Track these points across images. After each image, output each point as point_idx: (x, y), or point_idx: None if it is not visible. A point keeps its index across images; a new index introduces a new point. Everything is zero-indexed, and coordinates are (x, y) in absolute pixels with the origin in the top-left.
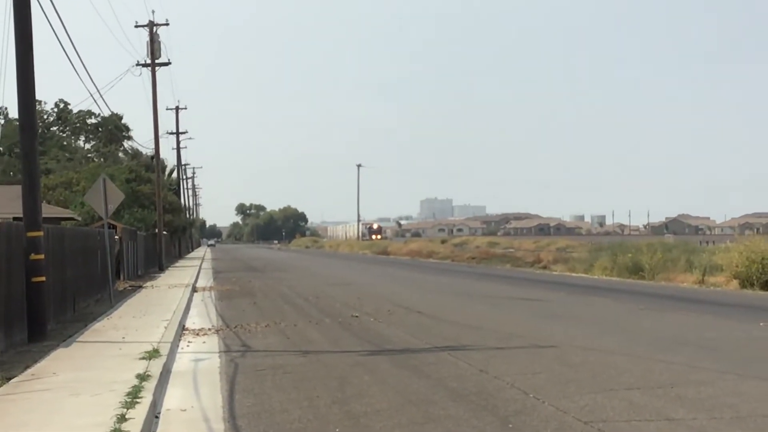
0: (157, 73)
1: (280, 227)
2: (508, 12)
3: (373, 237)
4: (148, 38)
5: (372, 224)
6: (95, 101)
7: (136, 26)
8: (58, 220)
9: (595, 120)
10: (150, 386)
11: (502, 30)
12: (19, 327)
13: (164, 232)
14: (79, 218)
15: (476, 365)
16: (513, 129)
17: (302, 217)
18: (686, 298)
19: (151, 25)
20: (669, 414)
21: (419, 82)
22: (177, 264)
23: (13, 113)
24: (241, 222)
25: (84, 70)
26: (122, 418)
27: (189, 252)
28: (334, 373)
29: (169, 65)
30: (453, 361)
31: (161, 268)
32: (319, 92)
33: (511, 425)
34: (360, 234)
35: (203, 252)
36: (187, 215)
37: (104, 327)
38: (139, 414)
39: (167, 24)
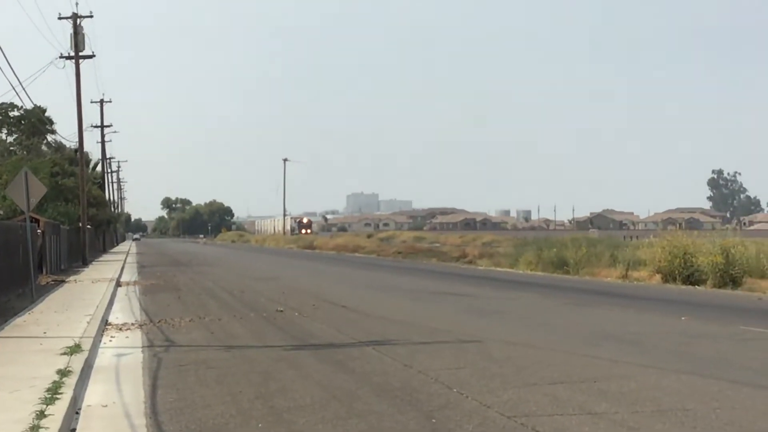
0: (81, 66)
1: (206, 221)
2: (448, 12)
3: (303, 231)
4: (71, 30)
5: (301, 218)
6: (17, 94)
7: (60, 18)
8: None
9: (521, 115)
10: (71, 382)
11: (420, 24)
12: None
13: (88, 226)
14: (1, 212)
15: (401, 360)
16: (440, 124)
17: (228, 212)
18: (610, 293)
19: (75, 17)
20: (592, 408)
21: (344, 76)
22: (101, 258)
23: None
24: (166, 216)
25: (6, 61)
26: (41, 415)
27: (114, 246)
28: (258, 368)
29: (94, 58)
30: (378, 355)
31: (85, 263)
32: (245, 86)
33: (434, 420)
34: (290, 228)
35: (128, 246)
36: (112, 209)
37: (25, 322)
38: (58, 410)
39: (91, 16)
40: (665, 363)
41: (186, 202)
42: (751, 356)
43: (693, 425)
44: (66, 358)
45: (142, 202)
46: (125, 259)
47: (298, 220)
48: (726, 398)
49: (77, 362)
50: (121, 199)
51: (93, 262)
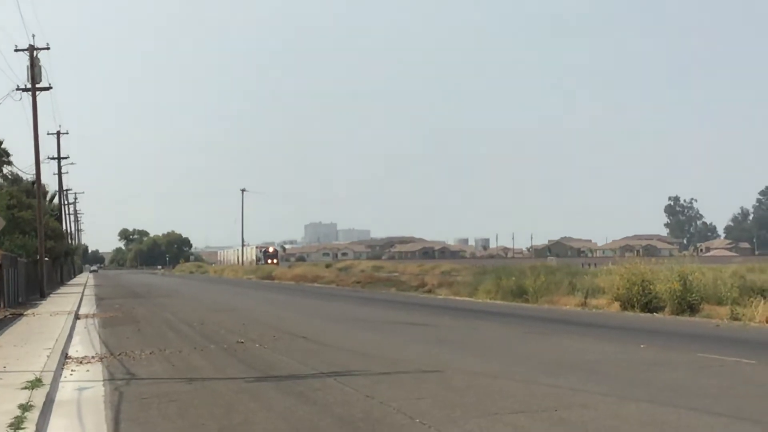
0: (38, 98)
1: (164, 252)
2: (394, 34)
3: (269, 261)
4: (28, 62)
5: (267, 247)
6: None
7: (16, 50)
8: None
9: (477, 143)
10: (33, 416)
11: (385, 55)
12: None
13: (46, 259)
14: None
15: (362, 391)
16: (396, 153)
17: (186, 242)
18: (569, 321)
19: (32, 49)
20: None
21: (301, 105)
22: (59, 291)
23: None
24: (124, 247)
25: None
26: None
27: (71, 278)
28: (220, 401)
29: (51, 90)
30: (339, 386)
31: (43, 295)
32: (200, 115)
33: None
34: (255, 258)
35: (86, 278)
36: (69, 241)
37: None
38: None
39: (48, 48)
40: (624, 391)
41: (143, 233)
42: (708, 383)
43: None
44: (27, 392)
45: (99, 234)
46: (83, 291)
47: (263, 250)
48: (684, 426)
49: (39, 396)
50: (78, 230)
51: (51, 295)
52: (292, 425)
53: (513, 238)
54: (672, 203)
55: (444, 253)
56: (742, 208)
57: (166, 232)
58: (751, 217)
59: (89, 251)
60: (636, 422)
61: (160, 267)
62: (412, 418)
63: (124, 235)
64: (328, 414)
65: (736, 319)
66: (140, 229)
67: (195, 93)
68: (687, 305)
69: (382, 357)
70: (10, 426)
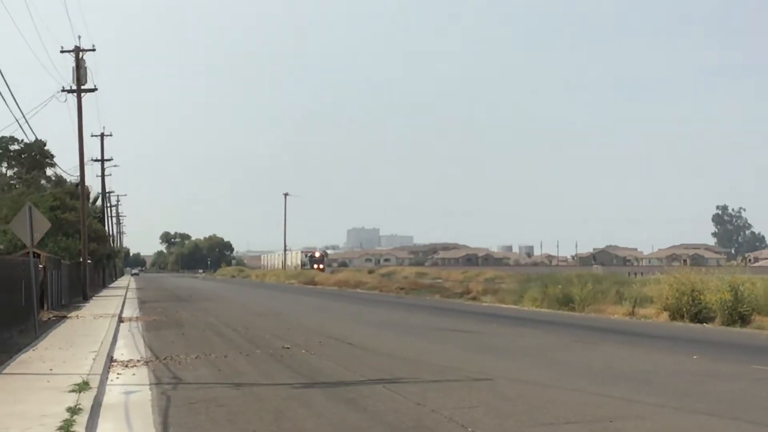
0: (83, 100)
1: (206, 256)
2: (444, 45)
3: (316, 267)
4: (74, 64)
5: (314, 252)
6: (20, 126)
7: (62, 51)
8: None
9: (522, 150)
10: (82, 420)
11: (427, 63)
12: None
13: (89, 261)
14: (2, 246)
15: (412, 398)
16: (440, 158)
17: (228, 246)
18: (618, 330)
19: (77, 50)
20: None
21: (346, 111)
22: (101, 293)
23: None
24: (165, 251)
25: (10, 94)
26: None
27: (113, 281)
28: (269, 407)
29: (96, 91)
30: (389, 394)
31: (86, 298)
32: (245, 119)
33: None
34: (300, 263)
35: (127, 281)
36: (112, 244)
37: (30, 359)
38: None
39: (93, 50)
40: (680, 403)
41: (185, 236)
42: (765, 395)
43: None
44: (75, 395)
45: (140, 237)
46: (125, 294)
47: (309, 254)
48: None
49: (86, 400)
50: (120, 233)
51: (93, 297)
52: None
53: (557, 246)
54: (720, 212)
55: (488, 260)
56: None
57: (207, 236)
58: None
59: (131, 254)
60: None
61: (201, 271)
62: (465, 427)
63: (166, 238)
64: (379, 422)
65: None
66: (182, 232)
67: (239, 96)
68: (738, 316)
69: (429, 364)
70: (59, 429)
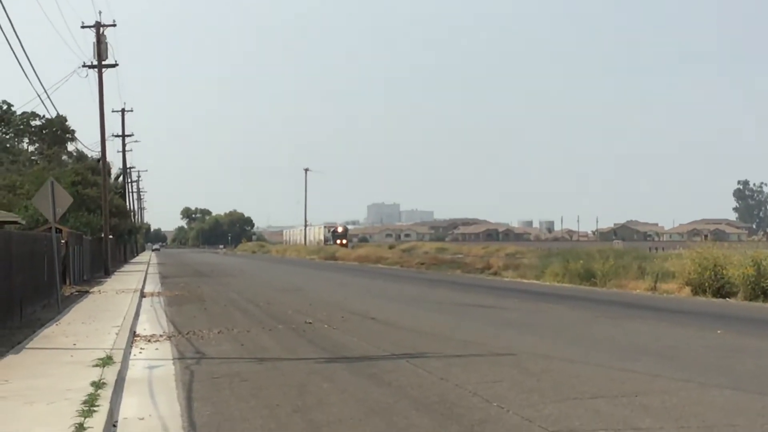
0: (103, 75)
1: (226, 232)
2: (464, 19)
3: (338, 242)
4: (94, 39)
5: (336, 227)
6: (42, 102)
7: (83, 27)
8: (1, 224)
9: (542, 125)
10: (106, 394)
11: (454, 37)
12: None
13: (110, 237)
14: (23, 222)
15: (436, 373)
16: (460, 134)
17: (248, 222)
18: (640, 306)
19: (98, 25)
20: (636, 423)
21: (365, 86)
22: (123, 268)
23: None
24: (186, 226)
25: (32, 70)
26: (81, 427)
27: (134, 256)
28: (292, 381)
29: (116, 67)
30: (412, 368)
31: (107, 273)
32: (266, 95)
33: None
34: (323, 239)
35: (148, 256)
36: (133, 219)
37: (54, 333)
38: (97, 423)
39: (114, 25)
40: (705, 377)
41: (206, 212)
42: None
43: None
44: (98, 369)
45: (161, 212)
46: (147, 269)
47: (332, 229)
48: None
49: (110, 374)
50: (141, 209)
51: (115, 273)
52: (368, 407)
53: (578, 221)
54: (741, 187)
55: (508, 235)
56: None
57: (228, 212)
58: None
59: (152, 230)
60: (720, 409)
61: (221, 246)
62: (489, 402)
63: (187, 213)
64: (403, 396)
65: None
66: (203, 208)
67: (259, 72)
68: (761, 291)
69: (452, 339)
70: (84, 403)
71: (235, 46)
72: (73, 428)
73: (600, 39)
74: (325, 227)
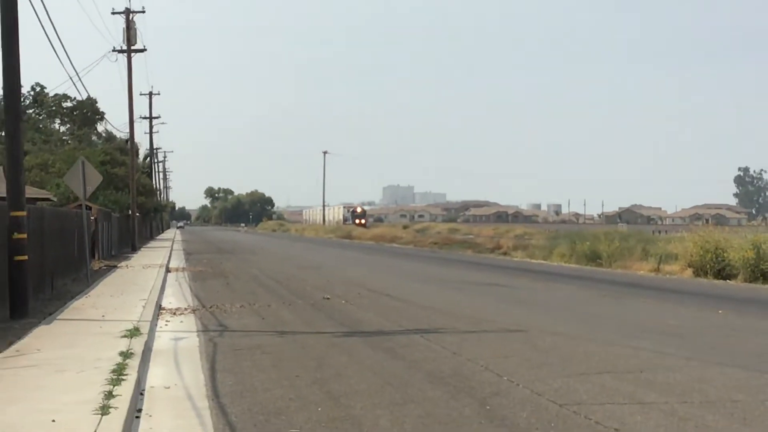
0: (132, 59)
1: (248, 211)
2: (478, 8)
3: (357, 222)
4: (124, 25)
5: (356, 207)
6: (74, 84)
7: (113, 13)
8: (34, 200)
9: (551, 112)
10: (134, 364)
11: (467, 24)
12: (1, 304)
13: (137, 214)
14: (55, 199)
15: (449, 348)
16: (473, 119)
17: (269, 202)
18: (644, 286)
19: (128, 12)
20: (641, 398)
21: (384, 70)
22: (149, 245)
23: None
24: (209, 205)
25: (65, 54)
26: (109, 395)
27: (160, 233)
28: (312, 354)
29: (145, 51)
30: (426, 343)
31: (134, 249)
32: (286, 78)
33: (488, 407)
34: (342, 218)
35: (173, 234)
36: (159, 198)
37: (83, 305)
38: (125, 391)
39: (143, 11)
40: (707, 355)
41: (228, 191)
42: None
43: (743, 416)
44: (126, 340)
45: (186, 192)
46: (172, 245)
47: (351, 210)
48: None
49: (138, 345)
50: (167, 188)
51: (142, 249)
52: (384, 380)
53: (584, 205)
54: (742, 174)
55: (517, 217)
56: None
57: (249, 191)
58: None
59: (176, 208)
60: (722, 386)
61: (243, 225)
62: (500, 376)
63: (210, 193)
64: (418, 370)
65: None
66: (225, 187)
67: (281, 57)
68: (760, 273)
69: (464, 315)
70: (112, 372)
71: (256, 29)
72: (102, 396)
73: (620, 28)
74: (344, 207)
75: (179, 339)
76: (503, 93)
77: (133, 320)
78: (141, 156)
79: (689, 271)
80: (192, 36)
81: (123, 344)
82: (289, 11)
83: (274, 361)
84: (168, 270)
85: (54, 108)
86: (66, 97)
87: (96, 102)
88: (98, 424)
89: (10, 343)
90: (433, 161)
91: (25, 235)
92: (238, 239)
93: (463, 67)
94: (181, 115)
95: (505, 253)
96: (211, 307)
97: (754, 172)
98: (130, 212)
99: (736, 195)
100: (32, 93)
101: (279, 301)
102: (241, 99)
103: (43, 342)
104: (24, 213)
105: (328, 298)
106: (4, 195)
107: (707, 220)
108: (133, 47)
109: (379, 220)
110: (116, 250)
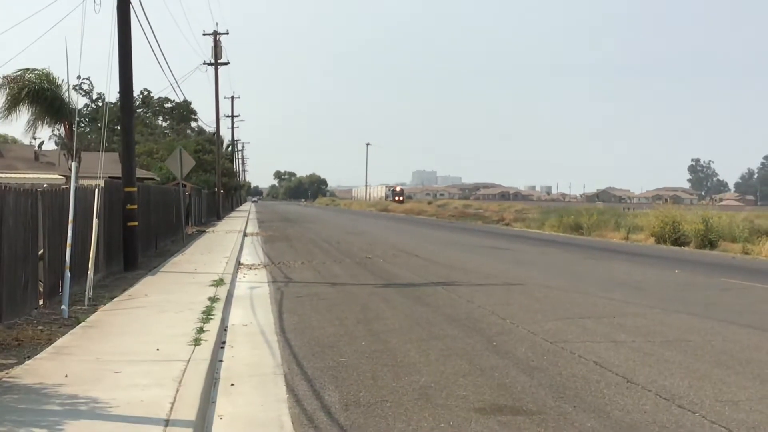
0: (219, 71)
1: (307, 189)
2: (497, 7)
3: (396, 199)
4: (212, 44)
5: (395, 187)
6: (173, 89)
7: (204, 34)
8: (141, 179)
9: (548, 113)
10: (219, 307)
11: (490, 22)
12: (117, 259)
13: (221, 191)
14: (158, 179)
15: (464, 297)
16: (484, 120)
17: (323, 182)
18: (616, 250)
19: (215, 33)
20: (614, 337)
21: (416, 67)
22: (230, 215)
23: (111, 99)
24: (277, 184)
25: (167, 65)
26: (201, 330)
27: (238, 206)
28: (357, 300)
29: (228, 65)
30: (446, 293)
31: (219, 218)
32: (338, 79)
33: (494, 343)
34: (384, 195)
35: (249, 207)
36: (238, 179)
37: (180, 261)
38: (213, 327)
39: (227, 33)
40: (667, 305)
41: (292, 174)
42: (733, 301)
43: (694, 353)
44: (213, 288)
45: (259, 173)
46: (248, 216)
47: (392, 189)
48: (718, 333)
49: (222, 292)
50: (244, 171)
51: (225, 218)
52: (413, 320)
53: (570, 187)
54: (694, 163)
55: (517, 196)
56: (748, 168)
57: (308, 174)
58: (756, 176)
59: (251, 187)
60: (678, 329)
61: (303, 200)
62: (504, 319)
63: (278, 175)
64: (439, 313)
65: (747, 253)
66: (289, 171)
67: (334, 58)
68: (708, 242)
69: (476, 272)
70: (203, 312)
71: (311, 36)
72: (195, 330)
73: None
74: (386, 187)
75: (254, 288)
76: (502, 98)
77: (219, 273)
78: (224, 146)
79: (652, 240)
80: (266, 48)
81: (211, 291)
82: (325, 20)
83: (328, 305)
84: (245, 235)
85: (158, 108)
86: (167, 99)
87: (190, 103)
88: (192, 353)
89: (124, 290)
90: (452, 150)
91: (135, 206)
92: (300, 211)
93: (470, 74)
94: (257, 115)
95: (507, 224)
96: (278, 264)
97: (704, 162)
98: (216, 189)
99: (689, 180)
100: (141, 96)
101: (331, 259)
102: (305, 99)
103: (149, 289)
104: (135, 189)
105: (369, 257)
106: (120, 175)
107: (666, 200)
108: (219, 61)
109: (408, 197)
110: (205, 218)
